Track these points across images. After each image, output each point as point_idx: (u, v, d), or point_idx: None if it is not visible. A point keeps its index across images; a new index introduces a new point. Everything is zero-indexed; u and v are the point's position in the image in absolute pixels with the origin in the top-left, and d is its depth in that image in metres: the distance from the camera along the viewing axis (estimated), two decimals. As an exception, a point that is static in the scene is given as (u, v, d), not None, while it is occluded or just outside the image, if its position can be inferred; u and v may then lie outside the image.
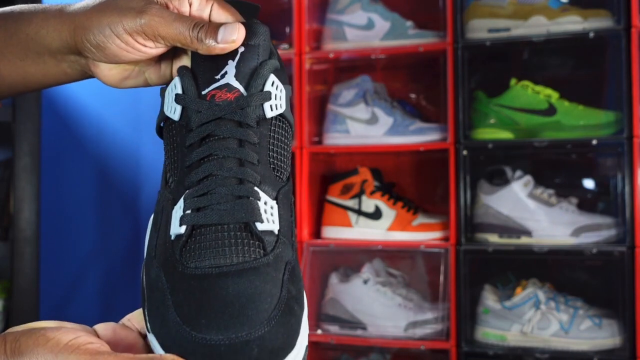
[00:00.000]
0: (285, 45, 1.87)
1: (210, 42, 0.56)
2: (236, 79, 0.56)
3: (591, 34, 1.63)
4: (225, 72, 0.56)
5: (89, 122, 2.40)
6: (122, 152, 2.39)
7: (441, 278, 1.74)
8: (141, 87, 0.63)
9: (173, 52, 0.62)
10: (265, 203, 0.54)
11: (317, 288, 1.87)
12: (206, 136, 0.55)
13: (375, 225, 1.81)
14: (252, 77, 0.56)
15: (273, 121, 0.57)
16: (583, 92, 1.77)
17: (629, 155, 1.59)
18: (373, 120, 1.82)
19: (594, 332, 1.62)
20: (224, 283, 0.51)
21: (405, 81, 2.01)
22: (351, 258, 1.93)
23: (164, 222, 0.56)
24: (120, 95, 2.35)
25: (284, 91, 0.57)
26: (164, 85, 0.59)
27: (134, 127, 2.37)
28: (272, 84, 0.56)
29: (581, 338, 1.62)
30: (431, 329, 1.74)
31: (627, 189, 1.60)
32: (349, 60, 1.90)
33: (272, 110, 0.56)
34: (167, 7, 0.58)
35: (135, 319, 0.57)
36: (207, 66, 0.57)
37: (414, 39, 1.79)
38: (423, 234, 1.78)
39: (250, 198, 0.53)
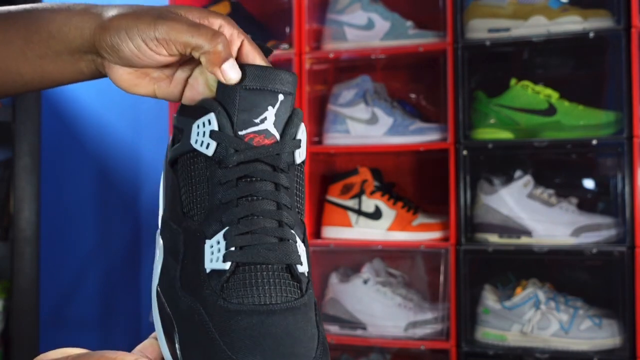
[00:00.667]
0: (285, 45, 1.87)
1: (220, 56, 0.56)
2: (274, 126, 0.57)
3: (591, 34, 1.63)
4: (265, 118, 0.56)
5: (89, 122, 2.40)
6: (122, 152, 2.39)
7: (441, 278, 1.74)
8: (149, 96, 0.64)
9: (187, 74, 0.63)
10: (299, 246, 0.57)
11: (317, 288, 1.87)
12: (243, 176, 0.56)
13: (375, 225, 1.81)
14: (286, 125, 0.57)
15: (298, 167, 0.59)
16: (583, 92, 1.77)
17: (629, 155, 1.59)
18: (373, 120, 1.82)
19: (594, 332, 1.62)
20: (273, 320, 0.53)
21: (405, 81, 2.01)
22: (351, 258, 1.93)
23: (190, 255, 0.56)
24: (121, 95, 2.35)
25: (306, 138, 0.60)
26: (183, 117, 0.59)
27: (134, 127, 2.37)
28: (302, 133, 0.59)
29: (581, 338, 1.62)
30: (431, 329, 1.74)
31: (627, 189, 1.60)
32: (349, 60, 1.90)
33: (299, 157, 0.59)
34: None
35: (147, 350, 0.58)
36: (245, 106, 0.56)
37: (414, 39, 1.79)
38: (423, 234, 1.78)
39: (290, 240, 0.56)
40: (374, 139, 1.81)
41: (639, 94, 1.57)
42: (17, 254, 1.90)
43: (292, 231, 0.56)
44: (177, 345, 0.54)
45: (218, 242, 0.55)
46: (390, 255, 1.89)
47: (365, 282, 1.80)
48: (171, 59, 0.59)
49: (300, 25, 1.83)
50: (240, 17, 1.96)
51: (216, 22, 0.59)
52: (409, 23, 1.82)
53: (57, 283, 2.37)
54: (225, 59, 0.55)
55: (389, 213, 1.81)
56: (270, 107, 0.56)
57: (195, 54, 0.57)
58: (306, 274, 0.57)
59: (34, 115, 1.91)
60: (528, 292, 1.68)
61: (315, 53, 1.85)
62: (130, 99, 2.35)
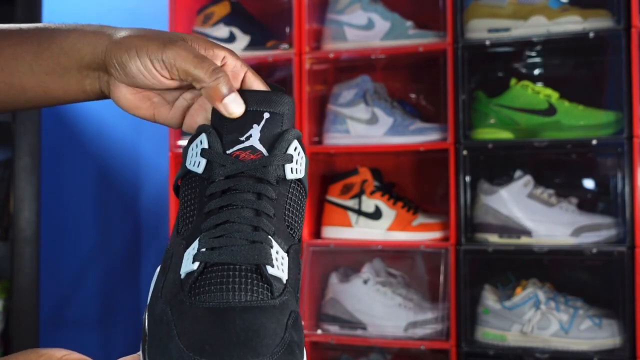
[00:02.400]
0: (285, 45, 1.87)
1: (220, 90, 0.58)
2: (260, 142, 0.59)
3: (591, 34, 1.63)
4: (250, 135, 0.59)
5: (89, 122, 2.40)
6: (122, 152, 2.39)
7: (441, 278, 1.74)
8: (148, 120, 0.66)
9: (188, 103, 0.65)
10: (277, 252, 0.57)
11: (317, 288, 1.87)
12: (227, 189, 0.58)
13: (375, 225, 1.81)
14: (276, 141, 0.59)
15: (291, 184, 0.60)
16: (583, 92, 1.77)
17: (629, 155, 1.59)
18: (373, 120, 1.82)
19: (594, 332, 1.62)
20: (231, 316, 0.53)
21: (405, 81, 2.01)
22: (351, 258, 1.93)
23: (173, 265, 0.58)
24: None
25: (304, 159, 0.61)
26: (187, 143, 0.62)
27: (134, 127, 2.37)
28: (295, 149, 0.60)
29: (581, 338, 1.62)
30: (431, 329, 1.74)
31: (627, 189, 1.60)
32: (349, 60, 1.90)
33: (292, 173, 0.60)
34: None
35: None
36: (232, 127, 0.59)
37: (414, 39, 1.79)
38: (423, 234, 1.78)
39: (263, 244, 0.56)
40: (374, 139, 1.82)
41: (639, 94, 1.57)
42: (17, 254, 1.90)
43: (269, 237, 0.57)
44: (146, 349, 0.55)
45: (194, 248, 0.56)
46: (390, 255, 1.89)
47: (365, 282, 1.80)
48: (173, 83, 0.61)
49: (300, 25, 1.83)
50: (240, 17, 1.96)
51: (220, 54, 0.62)
52: (409, 23, 1.82)
53: (57, 283, 2.37)
54: (227, 94, 0.58)
55: (389, 213, 1.81)
56: (255, 125, 0.59)
57: (196, 85, 0.60)
58: (283, 280, 0.56)
59: (34, 115, 1.91)
60: (528, 292, 1.68)
61: (315, 53, 1.85)
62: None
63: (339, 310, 1.81)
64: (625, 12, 1.60)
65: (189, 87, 0.64)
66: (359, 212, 1.82)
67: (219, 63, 0.62)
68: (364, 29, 1.84)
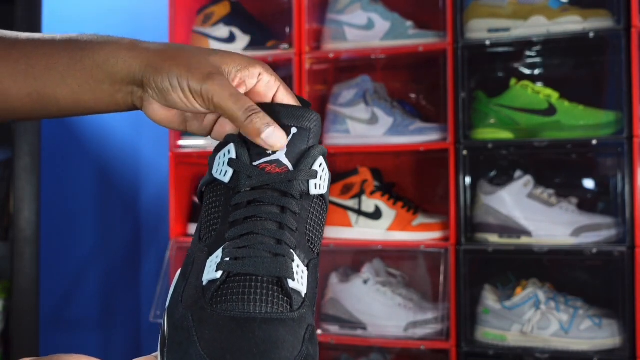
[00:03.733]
0: (285, 45, 1.87)
1: (258, 129, 0.59)
2: (286, 157, 0.60)
3: (591, 34, 1.63)
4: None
5: (89, 122, 2.40)
6: (122, 152, 2.39)
7: (441, 278, 1.74)
8: (178, 130, 0.68)
9: (217, 115, 0.66)
10: (297, 266, 0.58)
11: (317, 288, 1.86)
12: (252, 200, 0.59)
13: (375, 225, 1.81)
14: (302, 156, 0.60)
15: (314, 199, 0.62)
16: (583, 92, 1.77)
17: (629, 155, 1.59)
18: (373, 120, 1.82)
19: (594, 332, 1.62)
20: (251, 326, 0.54)
21: (405, 81, 2.01)
22: (351, 258, 1.93)
23: (195, 271, 0.59)
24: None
25: (328, 175, 0.63)
26: (213, 155, 0.63)
27: (134, 127, 2.37)
28: (320, 166, 0.61)
29: (581, 338, 1.62)
30: (431, 329, 1.74)
31: (627, 189, 1.60)
32: (349, 60, 1.90)
33: (315, 188, 0.61)
34: (235, 77, 0.62)
35: None
36: None
37: (414, 39, 1.79)
38: (423, 234, 1.78)
39: (286, 257, 0.57)
40: (374, 139, 1.81)
41: (639, 94, 1.57)
42: (17, 254, 1.90)
43: (292, 251, 0.58)
44: (165, 352, 0.56)
45: (217, 256, 0.58)
46: (390, 255, 1.89)
47: (365, 282, 1.80)
48: (208, 111, 0.62)
49: (300, 25, 1.83)
50: (240, 17, 1.96)
51: (255, 72, 0.63)
52: (409, 23, 1.82)
53: (57, 283, 2.37)
54: (264, 130, 0.59)
55: (389, 213, 1.81)
56: None
57: (232, 122, 0.61)
58: (302, 294, 0.58)
59: (34, 115, 1.91)
60: (528, 292, 1.68)
61: (315, 53, 1.85)
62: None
63: (339, 310, 1.81)
64: (625, 12, 1.60)
65: None
66: (359, 212, 1.82)
67: (254, 81, 0.63)
68: (364, 29, 1.84)
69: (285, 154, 0.60)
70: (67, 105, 0.65)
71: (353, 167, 1.88)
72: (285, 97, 0.64)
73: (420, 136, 1.78)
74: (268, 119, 0.60)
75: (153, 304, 1.92)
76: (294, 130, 0.60)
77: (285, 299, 0.56)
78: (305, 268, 0.59)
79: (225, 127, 0.66)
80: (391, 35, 1.82)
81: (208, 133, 0.67)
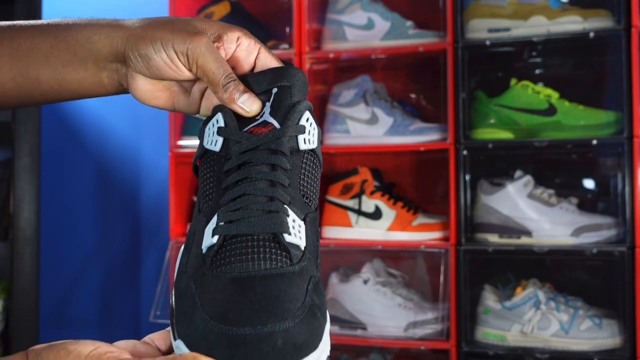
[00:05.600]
0: (285, 45, 1.87)
1: (233, 96, 0.61)
2: (271, 116, 0.61)
3: (591, 34, 1.63)
4: (263, 112, 0.61)
5: (89, 122, 2.40)
6: (122, 152, 2.39)
7: (441, 278, 1.74)
8: (166, 109, 0.67)
9: (205, 85, 0.67)
10: (293, 220, 0.58)
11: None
12: (243, 163, 0.60)
13: (375, 225, 1.81)
14: (288, 113, 0.61)
15: (305, 154, 0.62)
16: (583, 92, 1.77)
17: (629, 155, 1.59)
18: (373, 120, 1.82)
19: (594, 332, 1.62)
20: (251, 284, 0.54)
21: (405, 81, 2.01)
22: (351, 258, 1.93)
23: (195, 241, 0.60)
24: (120, 95, 2.35)
25: (317, 129, 0.62)
26: (203, 124, 0.64)
27: (133, 127, 2.37)
28: (307, 120, 0.61)
29: (581, 338, 1.62)
30: (431, 329, 1.74)
31: (627, 189, 1.60)
32: (349, 60, 1.90)
33: (305, 143, 0.61)
34: (218, 39, 0.63)
35: (156, 338, 0.59)
36: None
37: (414, 39, 1.79)
38: (423, 234, 1.78)
39: (280, 213, 0.57)
40: (374, 139, 1.81)
41: (639, 94, 1.57)
42: (17, 254, 1.90)
43: (285, 206, 0.58)
44: (174, 324, 0.56)
45: (213, 223, 0.58)
46: (390, 255, 1.89)
47: (365, 282, 1.80)
48: (192, 75, 0.63)
49: (300, 25, 1.83)
50: (240, 17, 1.96)
51: (234, 36, 0.63)
52: (409, 23, 1.82)
53: (57, 283, 2.37)
54: (239, 97, 0.61)
55: (389, 213, 1.81)
56: (267, 103, 0.62)
57: (209, 87, 0.62)
58: (301, 247, 0.57)
59: (34, 115, 1.91)
60: (528, 292, 1.68)
61: (315, 53, 1.85)
62: (129, 98, 2.35)
63: (339, 310, 1.81)
64: (625, 12, 1.60)
65: None
66: (359, 212, 1.82)
67: (233, 46, 0.63)
68: (364, 29, 1.84)
69: (270, 113, 0.61)
70: (50, 87, 0.65)
71: (353, 167, 1.88)
72: (267, 59, 0.65)
73: (420, 136, 1.78)
74: (242, 86, 0.61)
75: (153, 304, 1.92)
76: (274, 90, 0.61)
77: (284, 253, 0.56)
78: (302, 222, 0.59)
79: (212, 100, 0.66)
80: (391, 35, 1.82)
81: (196, 109, 0.67)
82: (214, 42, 0.62)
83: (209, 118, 0.63)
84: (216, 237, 0.57)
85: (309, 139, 0.61)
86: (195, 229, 0.61)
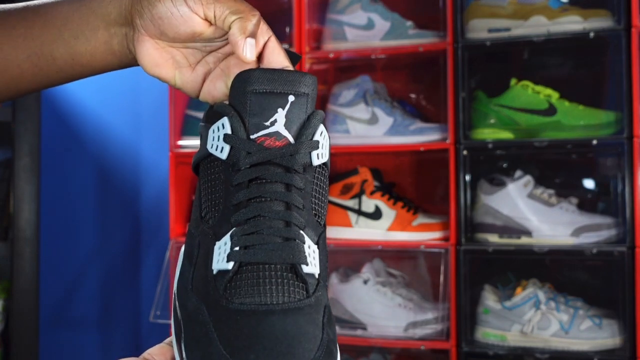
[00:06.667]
0: (285, 45, 1.87)
1: (250, 27, 0.58)
2: (285, 128, 0.57)
3: (591, 34, 1.63)
4: (275, 120, 0.57)
5: (89, 122, 2.40)
6: (122, 152, 2.39)
7: (441, 278, 1.74)
8: (168, 82, 0.65)
9: (210, 67, 0.65)
10: (309, 247, 0.56)
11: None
12: (255, 178, 0.57)
13: (375, 225, 1.81)
14: (302, 127, 0.57)
15: (317, 169, 0.59)
16: (583, 92, 1.77)
17: (629, 155, 1.59)
18: (373, 120, 1.82)
19: (594, 332, 1.62)
20: (271, 321, 0.53)
21: (405, 81, 2.01)
22: (351, 258, 1.93)
23: (202, 256, 0.57)
24: (120, 95, 2.35)
25: (328, 140, 0.60)
26: (202, 123, 0.61)
27: (133, 127, 2.37)
28: (321, 134, 0.58)
29: (581, 338, 1.62)
30: (431, 329, 1.74)
31: (627, 189, 1.60)
32: (349, 60, 1.90)
33: (318, 158, 0.58)
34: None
35: (156, 353, 0.58)
36: (255, 109, 0.57)
37: (414, 39, 1.79)
38: (423, 234, 1.78)
39: (297, 240, 0.56)
40: (374, 139, 1.81)
41: (639, 94, 1.57)
42: (17, 254, 1.90)
43: (301, 232, 0.56)
44: (182, 347, 0.55)
45: (225, 243, 0.56)
46: (390, 255, 1.89)
47: (365, 282, 1.80)
48: (202, 27, 0.61)
49: (300, 25, 1.83)
50: (240, 17, 1.96)
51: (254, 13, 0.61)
52: (409, 23, 1.82)
53: (57, 283, 2.37)
54: (249, 36, 0.58)
55: (389, 213, 1.81)
56: (280, 109, 0.57)
57: (230, 18, 0.59)
58: (315, 276, 0.56)
59: (34, 115, 1.91)
60: (528, 292, 1.68)
61: (315, 53, 1.85)
62: (129, 98, 2.35)
63: (339, 311, 1.81)
64: (625, 12, 1.60)
65: (211, 50, 0.64)
66: (359, 212, 1.82)
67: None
68: (364, 29, 1.84)
69: (284, 124, 0.57)
70: (64, 63, 0.65)
71: (353, 167, 1.88)
72: (275, 49, 0.61)
73: (420, 136, 1.78)
74: (257, 29, 0.59)
75: (153, 304, 1.92)
76: (291, 98, 0.57)
77: (301, 284, 0.55)
78: (316, 246, 0.57)
79: (215, 83, 0.64)
80: (391, 35, 1.82)
81: (197, 89, 0.65)
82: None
83: (211, 117, 0.60)
84: (232, 264, 0.54)
85: (322, 154, 0.58)
86: (201, 240, 0.58)
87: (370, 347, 1.81)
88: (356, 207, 1.83)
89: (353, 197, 1.84)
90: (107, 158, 2.40)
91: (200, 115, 1.89)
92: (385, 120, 1.81)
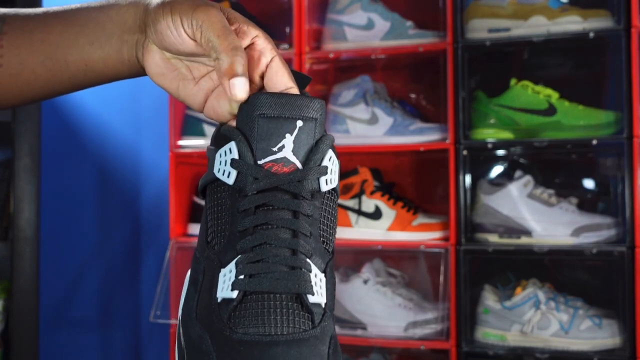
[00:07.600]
0: (285, 45, 1.87)
1: (235, 68, 0.57)
2: (293, 154, 0.56)
3: (591, 34, 1.63)
4: (283, 146, 0.56)
5: (89, 122, 2.40)
6: (122, 152, 2.39)
7: (441, 278, 1.74)
8: (170, 92, 0.65)
9: (213, 84, 0.64)
10: (315, 275, 0.55)
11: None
12: (262, 204, 0.56)
13: (375, 225, 1.81)
14: (310, 152, 0.56)
15: (326, 194, 0.58)
16: (583, 92, 1.77)
17: (629, 155, 1.59)
18: (373, 120, 1.82)
19: (594, 332, 1.62)
20: (275, 352, 0.52)
21: (405, 81, 2.01)
22: (351, 258, 1.93)
23: (206, 283, 0.56)
24: (120, 95, 2.35)
25: (337, 165, 0.59)
26: (211, 147, 0.60)
27: (133, 127, 2.37)
28: (330, 159, 0.58)
29: (581, 338, 1.62)
30: (431, 329, 1.74)
31: (627, 189, 1.60)
32: (349, 60, 1.90)
33: (326, 184, 0.57)
34: (237, 27, 0.61)
35: None
36: (263, 134, 0.56)
37: (414, 39, 1.79)
38: (423, 234, 1.78)
39: (303, 270, 0.55)
40: (374, 139, 1.82)
41: (639, 94, 1.57)
42: (17, 254, 1.90)
43: (308, 260, 0.55)
44: None
45: (230, 271, 0.55)
46: (390, 255, 1.89)
47: (365, 282, 1.80)
48: (197, 47, 0.60)
49: (300, 25, 1.83)
50: (240, 17, 1.96)
51: (253, 32, 0.61)
52: (409, 23, 1.82)
53: (57, 283, 2.37)
54: (237, 75, 0.56)
55: (389, 213, 1.81)
56: (287, 135, 0.56)
57: (212, 56, 0.58)
58: (322, 305, 0.55)
59: (34, 115, 1.91)
60: (528, 292, 1.68)
61: (315, 53, 1.85)
62: (129, 98, 2.35)
63: (339, 310, 1.81)
64: (625, 12, 1.60)
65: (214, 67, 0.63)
66: (359, 212, 1.82)
67: (248, 41, 0.60)
68: (364, 29, 1.84)
69: (292, 150, 0.56)
70: (78, 69, 0.65)
71: (353, 167, 1.88)
72: (280, 70, 0.60)
73: (420, 136, 1.78)
74: (247, 68, 0.57)
75: (153, 304, 1.92)
76: (299, 123, 0.56)
77: (307, 315, 0.54)
78: (323, 275, 0.57)
79: (219, 100, 0.62)
80: (391, 35, 1.82)
81: (200, 103, 0.64)
82: (230, 24, 0.60)
83: (219, 140, 0.58)
84: (236, 293, 0.54)
85: (330, 179, 0.57)
86: (206, 266, 0.57)
87: (370, 347, 1.81)
88: (356, 207, 1.83)
89: (353, 197, 1.84)
90: (107, 158, 2.40)
91: (200, 115, 1.89)
92: (385, 120, 1.81)
